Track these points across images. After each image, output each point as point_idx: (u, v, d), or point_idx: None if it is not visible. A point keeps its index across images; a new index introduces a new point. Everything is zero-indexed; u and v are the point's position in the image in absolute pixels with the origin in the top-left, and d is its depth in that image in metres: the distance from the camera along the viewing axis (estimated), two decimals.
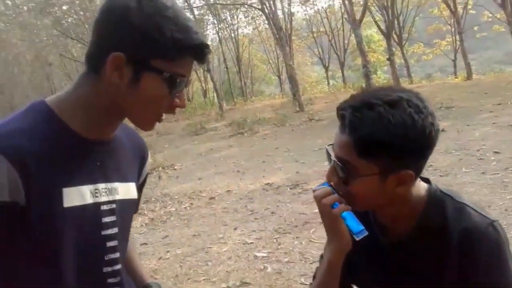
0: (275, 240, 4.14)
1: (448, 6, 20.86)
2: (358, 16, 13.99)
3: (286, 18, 24.59)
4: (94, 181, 0.94)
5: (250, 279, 3.42)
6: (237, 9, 26.38)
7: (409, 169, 0.95)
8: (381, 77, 26.11)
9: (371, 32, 31.26)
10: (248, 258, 3.87)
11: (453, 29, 24.73)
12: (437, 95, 12.33)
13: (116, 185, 0.99)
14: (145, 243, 4.70)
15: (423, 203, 1.03)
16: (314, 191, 1.05)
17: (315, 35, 28.86)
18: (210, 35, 27.85)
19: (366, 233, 1.01)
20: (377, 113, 0.92)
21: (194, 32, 0.89)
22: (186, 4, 19.84)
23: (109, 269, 0.97)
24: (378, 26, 19.18)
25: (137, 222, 5.53)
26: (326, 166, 1.04)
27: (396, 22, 21.52)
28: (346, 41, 27.69)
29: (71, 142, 0.91)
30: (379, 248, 1.10)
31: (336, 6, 27.63)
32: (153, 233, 5.06)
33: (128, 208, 1.03)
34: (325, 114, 13.40)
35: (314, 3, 28.55)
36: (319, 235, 4.00)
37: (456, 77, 21.59)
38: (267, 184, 6.28)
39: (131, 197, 1.04)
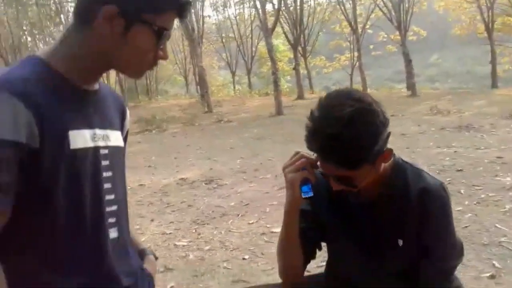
0: (194, 231, 4.21)
1: (349, 24, 22.39)
2: (270, 25, 14.51)
3: (199, 21, 24.62)
4: (92, 126, 1.01)
5: (172, 265, 3.46)
6: None
7: (387, 149, 1.16)
8: (285, 86, 27.17)
9: (277, 43, 32.49)
10: (169, 247, 3.90)
11: (352, 46, 26.62)
12: None
13: (108, 132, 1.06)
14: None
15: (389, 169, 1.25)
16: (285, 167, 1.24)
17: (224, 40, 29.23)
18: None
19: (311, 195, 1.21)
20: (343, 142, 1.07)
21: None
22: None
23: (108, 209, 1.04)
24: (287, 37, 20.01)
25: None
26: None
27: (302, 35, 22.60)
28: (254, 49, 28.43)
29: (67, 90, 0.97)
30: (352, 208, 1.29)
31: (246, 13, 28.30)
32: None
33: (118, 155, 1.10)
34: (233, 116, 13.72)
35: (225, 9, 28.79)
36: (237, 225, 4.16)
37: None
38: (181, 179, 6.31)
39: (120, 145, 1.11)
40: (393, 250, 1.27)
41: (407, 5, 18.21)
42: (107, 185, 1.04)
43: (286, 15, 20.43)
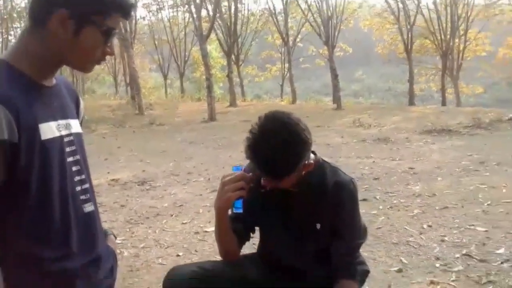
0: (128, 229, 4.30)
1: (281, 36, 23.13)
2: (204, 31, 14.68)
3: (132, 22, 24.18)
4: (55, 118, 1.16)
5: None
6: None
7: (310, 162, 1.50)
8: (217, 92, 27.41)
9: (211, 49, 32.67)
10: None
11: (283, 58, 27.46)
12: None
13: (69, 121, 1.23)
14: None
15: (311, 164, 1.54)
16: (223, 177, 1.55)
17: (157, 42, 28.88)
18: None
19: (240, 209, 1.54)
20: (275, 162, 1.41)
21: None
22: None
23: (79, 188, 1.21)
24: (221, 44, 20.23)
25: None
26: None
27: (235, 44, 22.94)
28: (187, 53, 28.37)
29: (32, 87, 1.12)
30: (276, 195, 1.58)
31: (179, 17, 28.19)
32: None
33: (80, 140, 1.26)
34: (166, 120, 13.70)
35: (158, 11, 28.50)
36: (171, 225, 4.31)
37: (282, 100, 23.95)
38: (113, 180, 6.31)
39: (80, 131, 1.28)
40: (312, 233, 1.58)
41: (335, 22, 19.11)
42: (75, 167, 1.21)
43: (220, 22, 20.69)
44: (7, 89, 1.04)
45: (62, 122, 1.18)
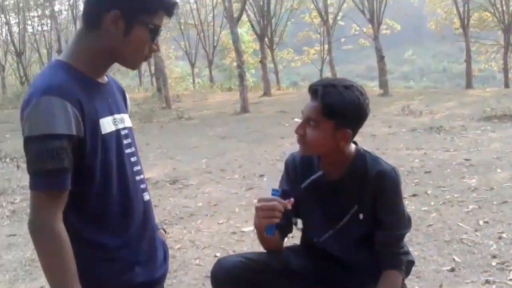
0: (163, 231, 4.58)
1: (320, 14, 23.08)
2: (236, 14, 14.88)
3: None
4: (112, 113, 1.42)
5: None
6: None
7: (350, 130, 1.68)
8: (249, 80, 27.74)
9: (241, 32, 32.92)
10: None
11: (322, 38, 27.40)
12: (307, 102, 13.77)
13: (123, 115, 1.48)
14: (13, 234, 4.74)
15: (353, 155, 1.76)
16: (259, 200, 1.72)
17: (182, 27, 29.32)
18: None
19: (271, 233, 1.71)
20: (338, 91, 1.63)
21: None
22: None
23: (138, 177, 1.47)
24: (253, 27, 20.39)
25: None
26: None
27: (269, 25, 23.03)
28: (216, 38, 28.70)
29: (90, 85, 1.37)
30: (320, 185, 1.80)
31: None
32: (19, 225, 5.08)
33: (132, 133, 1.51)
34: (194, 113, 14.05)
35: None
36: (207, 225, 4.55)
37: None
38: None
39: (131, 125, 1.52)
40: (355, 223, 1.78)
41: None
42: (133, 159, 1.46)
43: (251, 1, 20.86)
44: (72, 88, 1.28)
45: (117, 116, 1.43)
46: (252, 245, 3.81)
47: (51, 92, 1.24)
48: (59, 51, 20.55)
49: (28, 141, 1.24)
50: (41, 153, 1.22)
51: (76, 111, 1.26)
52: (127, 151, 1.44)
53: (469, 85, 21.38)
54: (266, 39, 21.80)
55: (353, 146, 1.80)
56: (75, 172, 1.29)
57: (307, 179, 1.84)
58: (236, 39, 14.64)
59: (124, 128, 1.45)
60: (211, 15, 28.87)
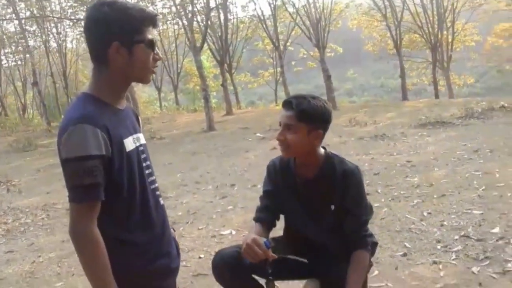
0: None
1: (272, 41, 23.49)
2: (198, 44, 14.99)
3: None
4: (131, 133, 1.53)
5: None
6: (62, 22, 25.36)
7: (321, 130, 1.87)
8: (212, 101, 27.65)
9: (202, 59, 32.96)
10: None
11: (275, 62, 27.83)
12: (266, 119, 14.00)
13: (139, 135, 1.59)
14: (10, 251, 4.67)
15: (323, 157, 1.93)
16: (253, 240, 1.82)
17: None
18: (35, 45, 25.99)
19: (269, 246, 1.82)
20: (307, 100, 1.82)
21: (147, 10, 1.51)
22: (13, 15, 18.55)
23: (153, 186, 1.58)
24: (213, 54, 20.54)
25: None
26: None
27: (227, 52, 23.24)
28: (179, 65, 28.71)
29: (112, 112, 1.48)
30: (297, 184, 1.96)
31: (169, 30, 28.47)
32: (15, 242, 5.00)
33: (147, 149, 1.62)
34: (165, 133, 14.00)
35: None
36: (188, 231, 4.60)
37: (277, 105, 24.26)
38: None
39: (145, 142, 1.63)
40: (328, 213, 1.94)
41: (324, 23, 19.45)
42: (148, 171, 1.57)
43: (210, 32, 21.01)
44: (99, 115, 1.40)
45: (135, 136, 1.55)
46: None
47: (83, 121, 1.35)
48: (34, 83, 20.09)
49: (67, 162, 1.36)
50: (78, 171, 1.34)
51: (105, 135, 1.37)
52: (145, 164, 1.55)
53: (405, 98, 22.12)
54: (225, 65, 21.96)
55: (322, 150, 1.98)
56: (106, 185, 1.40)
57: (285, 180, 2.00)
58: (200, 66, 14.77)
59: (141, 145, 1.56)
60: (173, 45, 28.87)
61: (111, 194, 1.41)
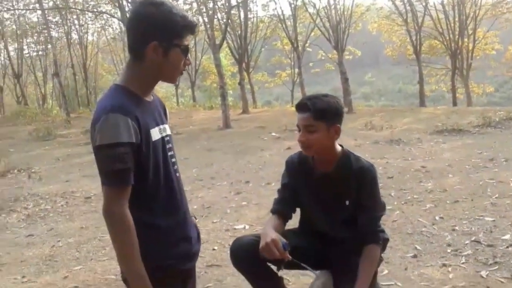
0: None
1: (290, 41, 23.54)
2: (217, 41, 15.13)
3: None
4: (157, 124, 1.63)
5: None
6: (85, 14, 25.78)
7: (338, 124, 1.97)
8: (229, 99, 27.82)
9: (221, 57, 33.11)
10: None
11: (292, 63, 27.88)
12: (282, 119, 14.06)
13: (165, 125, 1.70)
14: (31, 235, 4.84)
15: (340, 154, 2.03)
16: (272, 240, 1.90)
17: None
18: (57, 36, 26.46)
19: (287, 249, 1.91)
20: (320, 99, 1.93)
21: (189, 17, 1.60)
22: (37, 5, 18.93)
23: (178, 174, 1.70)
24: (232, 53, 20.67)
25: (12, 218, 5.56)
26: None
27: (246, 51, 23.36)
28: (197, 62, 28.92)
29: (142, 103, 1.58)
30: (314, 179, 2.06)
31: None
32: (35, 226, 5.18)
33: (172, 139, 1.73)
34: (181, 128, 14.17)
35: None
36: (203, 224, 4.69)
37: (293, 106, 24.30)
38: None
39: (170, 133, 1.73)
40: (342, 208, 2.04)
41: (343, 26, 19.45)
42: (173, 159, 1.69)
43: (230, 30, 21.15)
44: (130, 106, 1.50)
45: (162, 126, 1.65)
46: None
47: (115, 110, 1.46)
48: (55, 74, 20.45)
49: (100, 148, 1.46)
50: (111, 157, 1.45)
51: (135, 124, 1.48)
52: (169, 153, 1.66)
53: (422, 104, 21.98)
54: (243, 64, 22.08)
55: (339, 147, 2.08)
56: (134, 171, 1.50)
57: (303, 174, 2.10)
58: (218, 64, 14.89)
59: (166, 136, 1.66)
60: (192, 41, 29.09)
61: (138, 179, 1.51)
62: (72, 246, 4.40)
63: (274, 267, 2.12)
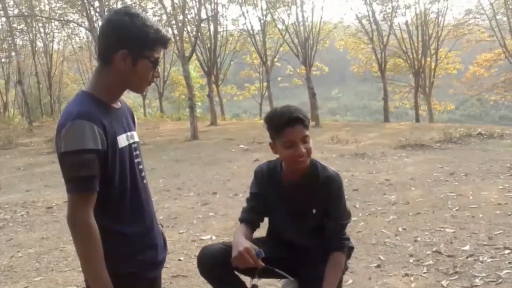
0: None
1: (260, 55, 23.76)
2: (187, 54, 15.11)
3: None
4: (125, 131, 1.61)
5: None
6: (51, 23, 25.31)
7: None
8: (198, 111, 27.70)
9: (189, 69, 33.02)
10: None
11: (261, 77, 28.13)
12: (250, 132, 14.11)
13: (133, 132, 1.68)
14: None
15: (308, 165, 2.02)
16: (245, 249, 1.89)
17: None
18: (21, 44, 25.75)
19: (260, 257, 1.92)
20: (300, 110, 1.97)
21: (162, 31, 1.60)
22: (1, 12, 18.47)
23: (145, 181, 1.68)
24: (201, 65, 20.67)
25: None
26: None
27: (215, 64, 23.41)
28: (166, 73, 28.75)
29: (109, 110, 1.57)
30: (282, 188, 2.08)
31: None
32: None
33: (139, 146, 1.71)
34: (149, 139, 13.98)
35: None
36: (169, 235, 4.60)
37: (261, 119, 24.45)
38: None
39: (138, 140, 1.72)
40: (310, 216, 2.06)
41: (311, 42, 19.82)
42: (140, 167, 1.67)
43: (199, 43, 21.17)
44: (96, 112, 1.48)
45: (129, 133, 1.63)
46: None
47: (82, 117, 1.43)
48: (18, 82, 19.92)
49: (65, 155, 1.43)
50: (76, 164, 1.42)
51: (101, 131, 1.45)
52: (136, 160, 1.64)
53: (386, 120, 22.53)
54: (212, 76, 22.09)
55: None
56: (100, 177, 1.47)
57: (272, 183, 2.11)
58: (187, 75, 14.86)
59: (134, 143, 1.64)
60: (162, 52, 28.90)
61: (103, 186, 1.49)
62: (32, 257, 4.26)
63: (244, 278, 2.12)
